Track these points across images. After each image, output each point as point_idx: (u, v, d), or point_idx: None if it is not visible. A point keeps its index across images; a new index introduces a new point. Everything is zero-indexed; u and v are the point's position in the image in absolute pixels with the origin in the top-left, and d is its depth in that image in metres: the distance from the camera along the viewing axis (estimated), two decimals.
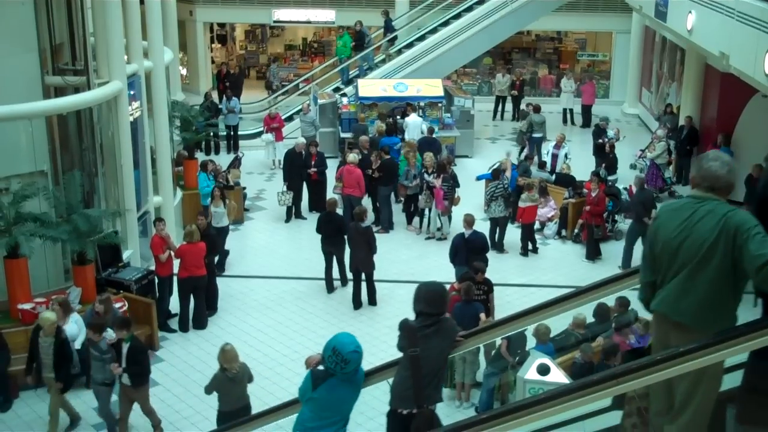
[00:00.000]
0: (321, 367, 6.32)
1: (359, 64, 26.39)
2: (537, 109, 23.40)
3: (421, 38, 26.46)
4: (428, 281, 6.79)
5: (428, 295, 6.54)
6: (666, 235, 4.80)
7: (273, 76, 29.30)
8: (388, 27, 27.10)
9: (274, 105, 25.96)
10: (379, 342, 13.77)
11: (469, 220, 15.04)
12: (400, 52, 26.44)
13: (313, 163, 18.96)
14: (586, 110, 27.34)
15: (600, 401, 5.18)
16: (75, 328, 12.19)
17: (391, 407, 6.57)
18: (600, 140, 21.16)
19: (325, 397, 6.22)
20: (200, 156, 20.91)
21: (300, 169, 19.00)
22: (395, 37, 27.08)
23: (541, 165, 20.06)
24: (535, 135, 22.84)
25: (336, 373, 6.16)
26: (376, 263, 15.40)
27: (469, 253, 14.53)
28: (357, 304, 15.24)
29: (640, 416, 5.24)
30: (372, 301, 15.34)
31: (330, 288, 15.84)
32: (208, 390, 10.96)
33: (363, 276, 15.19)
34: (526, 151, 22.83)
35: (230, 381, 10.62)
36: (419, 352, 6.35)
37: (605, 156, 20.66)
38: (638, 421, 5.26)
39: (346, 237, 15.41)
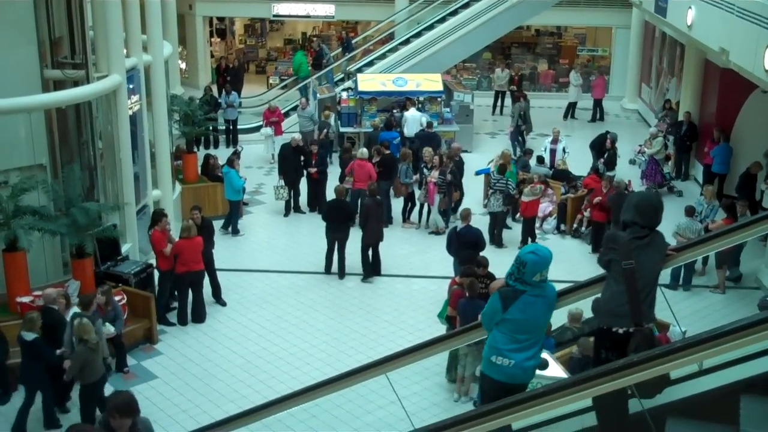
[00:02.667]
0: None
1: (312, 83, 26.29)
2: (517, 98, 23.84)
3: (420, 33, 26.43)
4: (643, 191, 6.29)
5: (642, 205, 5.99)
6: None
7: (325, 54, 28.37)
8: (348, 46, 27.19)
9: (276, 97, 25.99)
10: (377, 336, 13.81)
11: (464, 215, 15.05)
12: (396, 49, 26.45)
13: (314, 162, 18.91)
14: (597, 104, 27.30)
15: None
16: None
17: (601, 326, 6.04)
18: (602, 158, 20.75)
19: (519, 317, 5.88)
20: (200, 151, 20.92)
21: (294, 164, 18.97)
22: (354, 56, 27.02)
23: (540, 160, 20.03)
24: (520, 124, 23.21)
25: (521, 280, 5.85)
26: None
27: (461, 247, 14.54)
28: (369, 273, 15.99)
29: None
30: (378, 271, 16.01)
31: (329, 269, 16.17)
32: (74, 370, 10.82)
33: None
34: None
35: (93, 352, 10.85)
36: (633, 266, 5.80)
37: (603, 151, 20.63)
38: None
39: (357, 219, 16.46)
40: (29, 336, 11.08)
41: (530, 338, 5.94)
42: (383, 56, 26.50)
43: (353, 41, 28.37)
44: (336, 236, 15.96)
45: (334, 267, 16.14)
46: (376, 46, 28.08)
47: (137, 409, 6.26)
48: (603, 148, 20.70)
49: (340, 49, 28.24)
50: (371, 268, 16.00)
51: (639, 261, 5.79)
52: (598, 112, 27.33)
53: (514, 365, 5.91)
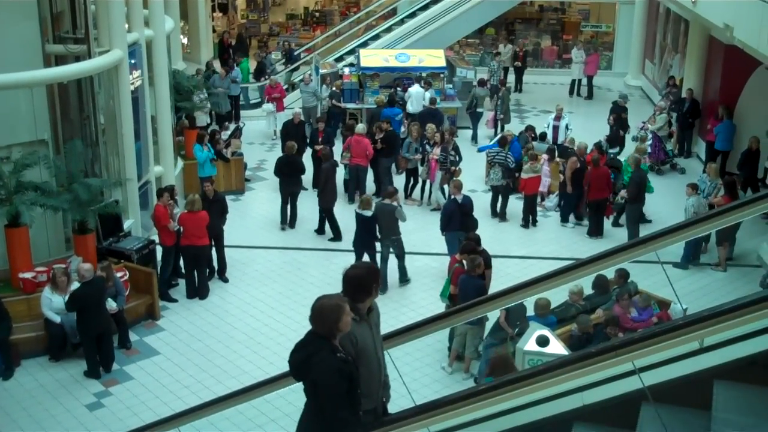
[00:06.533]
0: None
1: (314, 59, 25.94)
2: (482, 83, 23.09)
3: (424, 7, 26.29)
4: None
5: None
6: None
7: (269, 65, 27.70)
8: (291, 57, 26.91)
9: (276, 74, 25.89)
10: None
11: (457, 185, 15.08)
12: (398, 24, 26.32)
13: (320, 139, 18.83)
14: (588, 81, 27.28)
15: None
16: None
17: None
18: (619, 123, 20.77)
19: None
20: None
21: (296, 141, 18.90)
22: (297, 67, 26.68)
23: (542, 137, 19.95)
24: (479, 110, 22.52)
25: None
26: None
27: (464, 217, 14.75)
28: (323, 231, 16.87)
29: None
30: (339, 235, 16.64)
31: (284, 222, 17.22)
32: None
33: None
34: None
35: None
36: None
37: (624, 126, 20.67)
38: None
39: (319, 182, 16.98)
40: (367, 213, 14.34)
41: None
42: (386, 32, 26.38)
43: (295, 52, 28.05)
44: (288, 190, 17.00)
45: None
46: (379, 21, 27.94)
47: None
48: (619, 117, 20.81)
49: (283, 60, 27.87)
50: (324, 229, 16.85)
51: None
52: (592, 90, 27.31)
53: None
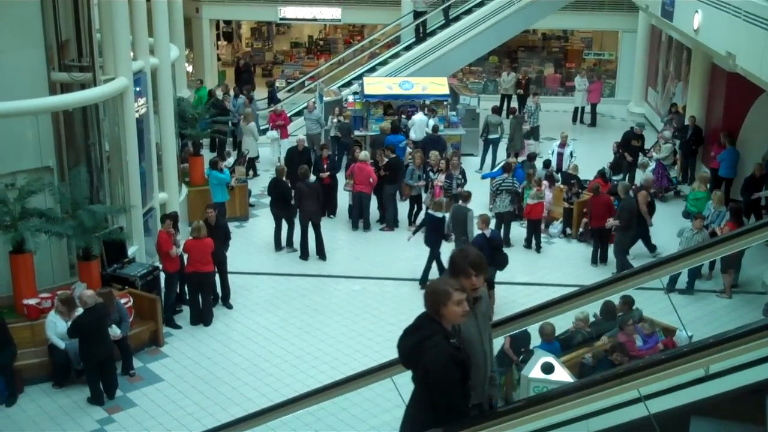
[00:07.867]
0: None
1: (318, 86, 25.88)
2: (495, 110, 23.02)
3: (426, 37, 26.46)
4: None
5: None
6: None
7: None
8: (273, 97, 27.08)
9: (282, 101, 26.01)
10: (383, 340, 13.78)
11: (485, 219, 14.93)
12: (402, 53, 26.48)
13: (325, 166, 18.89)
14: (592, 109, 27.39)
15: None
16: None
17: None
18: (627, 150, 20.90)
19: None
20: (206, 153, 20.93)
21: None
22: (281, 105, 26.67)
23: (546, 164, 19.98)
24: (491, 136, 22.43)
25: None
26: (381, 259, 16.20)
27: (493, 251, 14.51)
28: (305, 254, 17.02)
29: None
30: (321, 254, 16.91)
31: (278, 247, 17.50)
32: None
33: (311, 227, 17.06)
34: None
35: None
36: None
37: (631, 149, 20.77)
38: None
39: (293, 199, 17.22)
40: (438, 214, 15.53)
41: None
42: (389, 60, 26.53)
43: (277, 92, 28.02)
44: (278, 213, 17.39)
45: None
46: (382, 49, 28.11)
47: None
48: (627, 143, 20.95)
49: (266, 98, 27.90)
50: (307, 250, 17.03)
51: None
52: (591, 117, 27.43)
53: None
